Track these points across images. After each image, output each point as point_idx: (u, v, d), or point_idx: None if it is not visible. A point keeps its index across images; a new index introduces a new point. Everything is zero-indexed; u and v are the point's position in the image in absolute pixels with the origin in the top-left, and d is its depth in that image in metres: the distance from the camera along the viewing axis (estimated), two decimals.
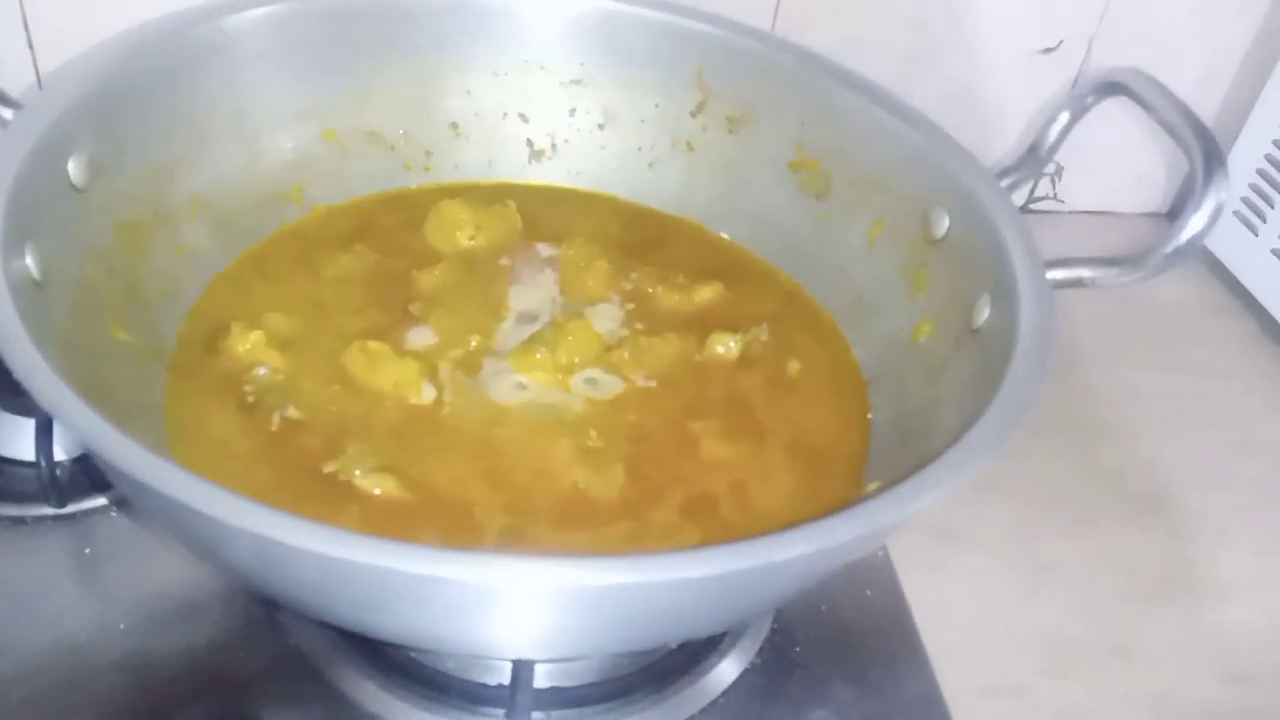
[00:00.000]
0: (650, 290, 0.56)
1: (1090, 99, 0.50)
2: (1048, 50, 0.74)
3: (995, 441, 0.38)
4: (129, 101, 0.49)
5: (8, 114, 0.45)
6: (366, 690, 0.47)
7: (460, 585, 0.31)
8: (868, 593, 0.55)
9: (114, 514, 0.53)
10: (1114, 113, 0.53)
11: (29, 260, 0.41)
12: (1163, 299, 0.78)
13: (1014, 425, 0.39)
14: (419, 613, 0.35)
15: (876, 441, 0.50)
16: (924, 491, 0.36)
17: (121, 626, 0.48)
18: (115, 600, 0.49)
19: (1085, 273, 0.46)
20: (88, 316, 0.38)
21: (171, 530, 0.38)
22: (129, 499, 0.40)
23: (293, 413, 0.47)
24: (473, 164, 0.61)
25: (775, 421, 0.51)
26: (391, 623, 0.36)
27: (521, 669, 0.43)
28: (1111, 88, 0.49)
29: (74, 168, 0.45)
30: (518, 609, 0.34)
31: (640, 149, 0.62)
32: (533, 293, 0.56)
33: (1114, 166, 0.82)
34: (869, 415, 0.52)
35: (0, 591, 0.49)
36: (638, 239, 0.60)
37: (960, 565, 0.57)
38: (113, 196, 0.48)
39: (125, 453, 0.32)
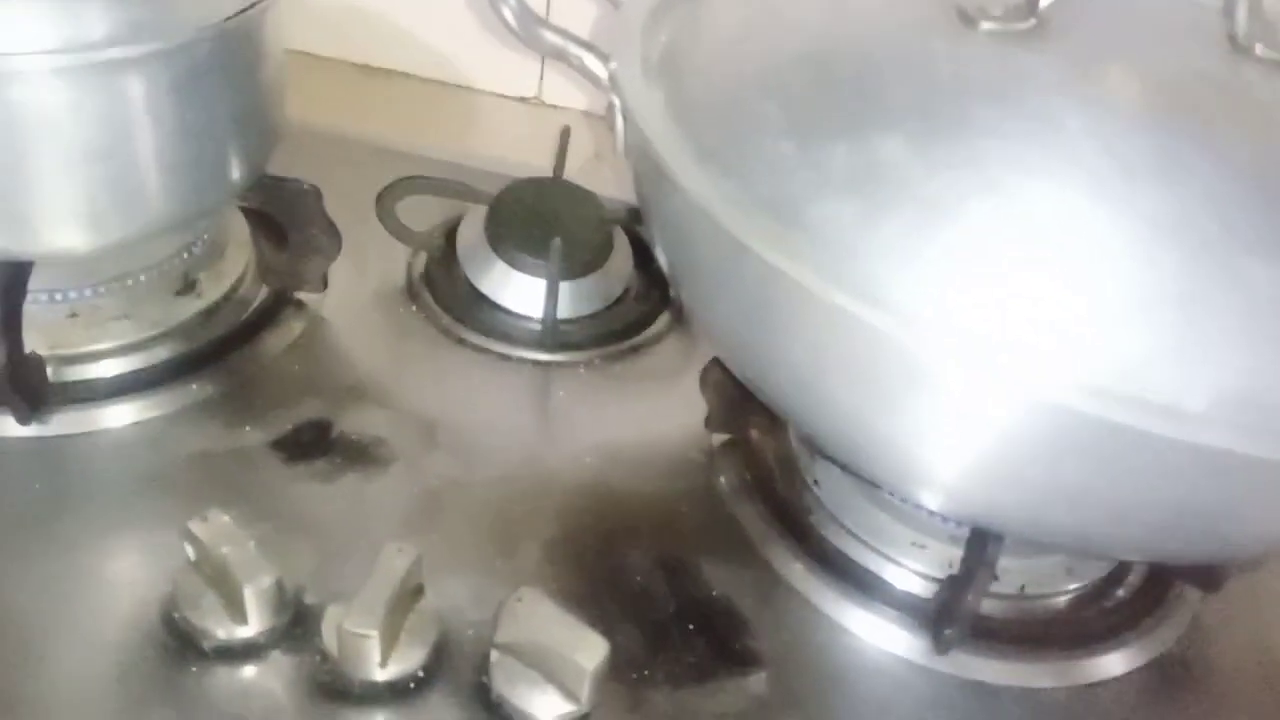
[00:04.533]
0: None
1: None
2: None
3: None
4: None
5: None
6: (794, 570, 0.49)
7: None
8: None
9: (582, 370, 0.58)
10: None
11: None
12: None
13: None
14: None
15: None
16: None
17: (586, 460, 0.53)
18: (580, 438, 0.54)
19: None
20: None
21: (736, 320, 0.42)
22: (699, 293, 0.45)
23: None
24: None
25: None
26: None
27: (979, 547, 0.44)
28: None
29: None
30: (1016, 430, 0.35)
31: None
32: None
33: None
34: None
35: (488, 408, 0.55)
36: None
37: None
38: None
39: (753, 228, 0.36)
